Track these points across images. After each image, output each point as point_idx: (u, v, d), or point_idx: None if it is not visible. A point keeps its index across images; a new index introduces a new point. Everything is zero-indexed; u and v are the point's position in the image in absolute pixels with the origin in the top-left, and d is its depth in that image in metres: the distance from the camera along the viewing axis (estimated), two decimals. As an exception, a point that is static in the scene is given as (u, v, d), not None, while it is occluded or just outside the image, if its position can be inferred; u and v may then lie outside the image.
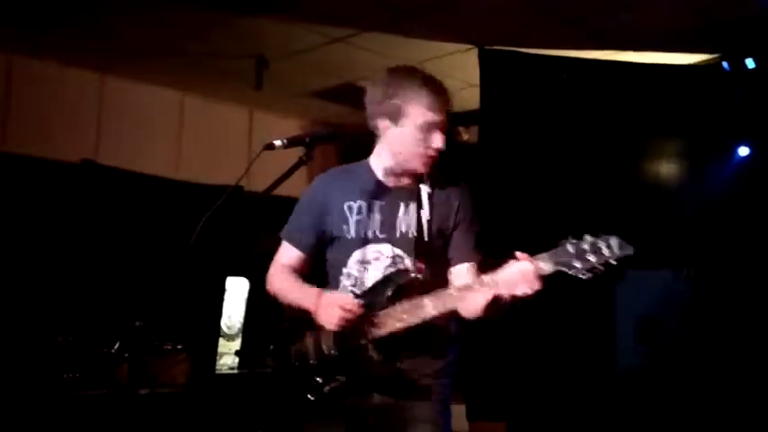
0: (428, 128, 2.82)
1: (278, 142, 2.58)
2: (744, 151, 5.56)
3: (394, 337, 2.69)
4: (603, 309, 5.57)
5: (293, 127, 7.52)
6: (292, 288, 3.01)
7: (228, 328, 7.21)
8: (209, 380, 6.42)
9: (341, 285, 2.91)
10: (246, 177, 2.94)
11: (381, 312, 2.72)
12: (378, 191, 2.94)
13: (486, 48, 5.80)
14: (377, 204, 2.92)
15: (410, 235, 2.84)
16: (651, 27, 5.41)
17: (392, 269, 2.81)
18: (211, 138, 7.27)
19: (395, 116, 2.86)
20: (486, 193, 5.31)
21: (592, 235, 2.53)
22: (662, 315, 5.42)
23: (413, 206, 2.88)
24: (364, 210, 2.91)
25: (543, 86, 5.80)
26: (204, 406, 5.89)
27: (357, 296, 2.80)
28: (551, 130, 5.74)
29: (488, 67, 5.80)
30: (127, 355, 5.42)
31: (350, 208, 2.95)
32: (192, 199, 6.42)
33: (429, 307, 2.62)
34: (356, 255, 2.88)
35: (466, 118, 7.12)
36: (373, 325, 2.72)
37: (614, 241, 2.51)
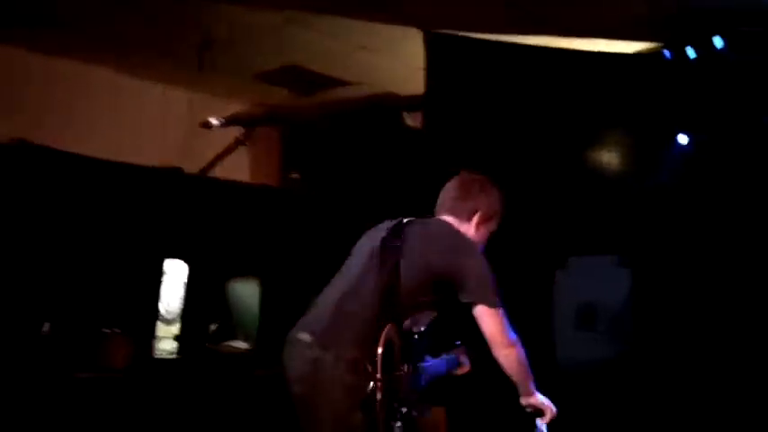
0: (493, 229, 3.49)
1: (215, 121, 2.52)
2: (683, 140, 5.61)
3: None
4: (542, 295, 5.61)
5: (234, 110, 7.39)
6: (526, 368, 3.36)
7: (167, 311, 7.12)
8: (148, 364, 6.34)
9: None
10: (186, 160, 2.88)
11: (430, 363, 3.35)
12: None
13: (432, 32, 5.76)
14: None
15: None
16: (595, 15, 5.43)
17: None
18: (150, 120, 7.13)
19: (487, 219, 3.45)
20: (431, 179, 5.28)
21: None
22: (602, 301, 5.45)
23: None
24: None
25: (489, 72, 5.78)
26: (143, 390, 5.81)
27: None
28: (496, 117, 5.73)
29: (434, 52, 5.76)
30: (65, 338, 5.35)
31: None
32: (129, 181, 6.31)
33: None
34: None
35: (411, 103, 7.10)
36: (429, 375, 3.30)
37: None
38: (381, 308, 2.93)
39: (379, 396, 2.76)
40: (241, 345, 7.39)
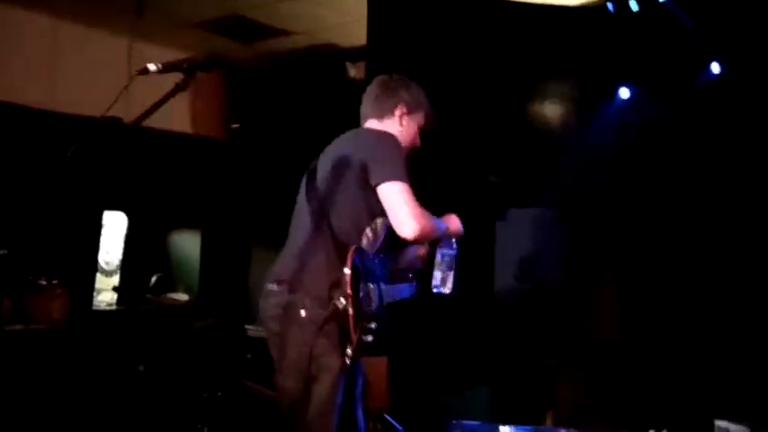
0: (422, 125, 3.50)
1: (152, 67, 2.45)
2: (625, 93, 5.66)
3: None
4: (483, 247, 5.65)
5: (175, 58, 7.28)
6: (437, 222, 3.31)
7: (107, 263, 7.05)
8: (87, 316, 6.27)
9: (363, 231, 3.19)
10: (126, 110, 2.82)
11: (392, 286, 3.35)
12: None
13: (374, -19, 5.71)
14: None
15: None
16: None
17: (385, 229, 3.24)
18: (88, 67, 6.96)
19: (411, 109, 3.46)
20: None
21: None
22: (541, 253, 5.52)
23: None
24: None
25: (432, 23, 5.75)
26: (81, 343, 5.76)
27: None
28: (439, 69, 5.71)
29: (376, 2, 5.71)
30: (-2, 290, 5.26)
31: None
32: (67, 131, 6.18)
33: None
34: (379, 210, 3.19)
35: (354, 54, 7.05)
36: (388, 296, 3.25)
37: None
38: (321, 238, 3.10)
39: (350, 311, 2.88)
40: (181, 297, 7.36)
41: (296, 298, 3.04)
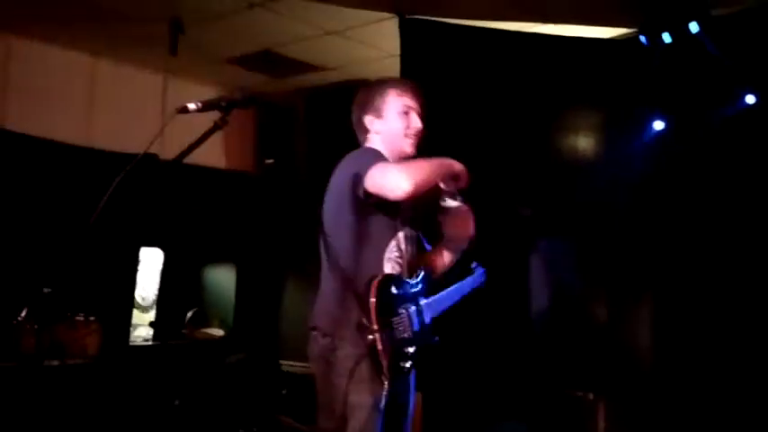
0: (406, 111, 3.33)
1: (192, 105, 2.49)
2: (659, 125, 5.64)
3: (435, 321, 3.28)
4: (516, 279, 5.63)
5: (209, 94, 7.34)
6: (430, 163, 3.18)
7: (143, 299, 7.11)
8: (123, 351, 6.31)
9: (387, 258, 3.14)
10: (161, 146, 2.86)
11: (432, 299, 3.29)
12: None
13: (406, 16, 5.74)
14: None
15: (416, 219, 3.33)
16: (572, 0, 5.44)
17: (415, 248, 3.29)
18: (124, 104, 7.06)
19: (378, 109, 3.33)
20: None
21: None
22: (575, 284, 5.49)
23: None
24: None
25: (463, 57, 5.77)
26: (118, 378, 5.79)
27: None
28: (471, 102, 5.73)
29: (409, 37, 5.74)
30: (36, 325, 5.31)
31: None
32: (104, 167, 6.25)
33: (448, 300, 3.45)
34: (399, 232, 3.21)
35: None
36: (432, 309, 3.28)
37: None
38: (342, 276, 3.08)
39: (380, 347, 2.88)
40: (216, 331, 7.39)
41: (328, 342, 3.05)
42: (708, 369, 5.20)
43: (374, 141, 3.36)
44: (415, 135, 3.35)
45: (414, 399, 3.30)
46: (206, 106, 2.54)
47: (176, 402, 5.58)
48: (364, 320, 2.91)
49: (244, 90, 2.58)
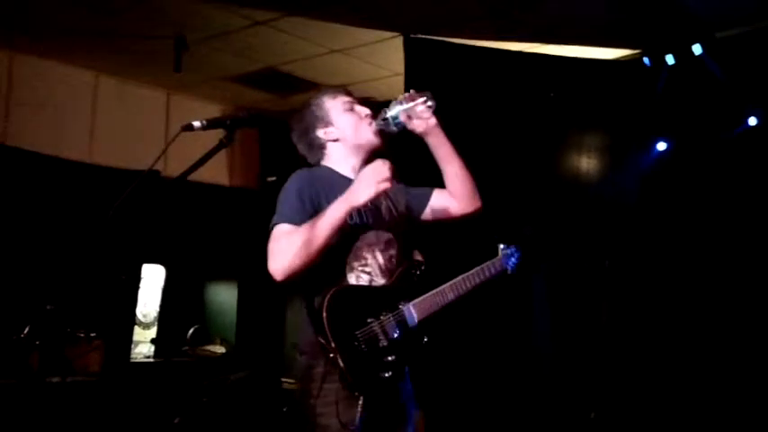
0: (351, 107, 3.24)
1: (197, 123, 2.49)
2: (662, 146, 5.65)
3: (426, 322, 3.09)
4: (520, 300, 5.62)
5: (212, 112, 7.36)
6: (314, 220, 2.87)
7: (144, 316, 7.10)
8: (124, 368, 6.30)
9: (350, 268, 3.03)
10: (164, 163, 2.87)
11: (420, 299, 3.09)
12: None
13: (411, 36, 5.76)
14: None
15: (394, 220, 3.20)
16: (576, 21, 5.45)
17: (390, 252, 3.11)
18: (127, 121, 7.07)
19: (324, 119, 3.22)
20: (409, 182, 5.29)
21: None
22: (579, 305, 5.48)
23: (385, 195, 3.17)
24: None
25: (467, 77, 5.78)
26: (119, 394, 5.77)
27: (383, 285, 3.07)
28: (475, 121, 5.73)
29: (413, 56, 5.76)
30: (38, 342, 5.30)
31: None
32: (106, 184, 6.26)
33: (449, 294, 3.16)
34: (360, 240, 3.05)
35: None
36: (419, 311, 3.08)
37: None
38: (305, 294, 2.99)
39: (341, 364, 2.75)
40: (218, 348, 7.37)
41: (305, 360, 2.98)
42: (703, 388, 5.19)
43: (334, 151, 3.21)
44: (368, 116, 3.22)
45: (415, 410, 3.19)
46: (211, 124, 2.54)
47: (177, 420, 5.55)
48: (321, 339, 2.80)
49: (249, 109, 2.57)
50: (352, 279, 3.00)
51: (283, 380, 6.55)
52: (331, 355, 2.77)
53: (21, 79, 6.48)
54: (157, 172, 5.78)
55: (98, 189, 6.09)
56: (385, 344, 2.92)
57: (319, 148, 3.24)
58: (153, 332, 7.09)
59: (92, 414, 5.49)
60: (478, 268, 3.37)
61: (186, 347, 7.18)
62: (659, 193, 5.61)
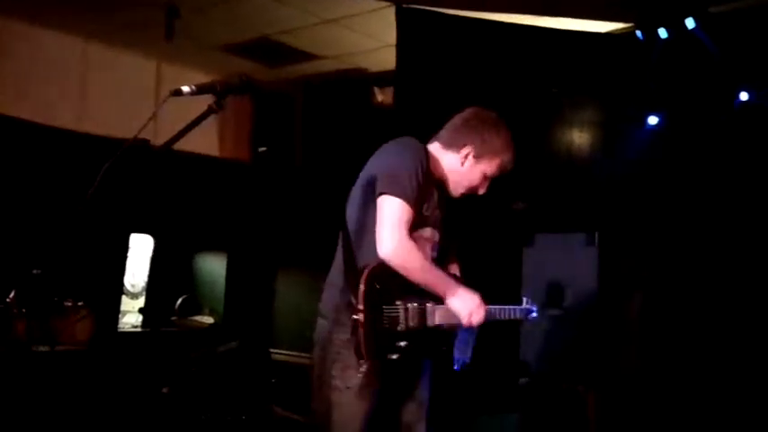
0: (487, 178, 3.36)
1: (186, 89, 2.45)
2: (653, 120, 5.63)
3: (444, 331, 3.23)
4: (510, 273, 5.62)
5: (203, 81, 7.29)
6: (431, 267, 3.15)
7: (132, 286, 7.07)
8: (112, 338, 6.28)
9: None
10: (154, 132, 2.83)
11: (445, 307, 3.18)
12: (434, 186, 3.28)
13: (403, 6, 5.71)
14: (435, 197, 3.27)
15: (440, 226, 3.32)
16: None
17: (435, 252, 3.29)
18: (117, 90, 7.01)
19: (481, 153, 3.30)
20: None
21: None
22: (569, 279, 5.47)
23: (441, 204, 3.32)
24: (434, 198, 3.26)
25: (460, 49, 5.75)
26: (106, 364, 5.76)
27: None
28: (467, 94, 5.70)
29: (406, 27, 5.71)
30: (24, 310, 5.27)
31: (431, 191, 3.24)
32: (95, 152, 6.20)
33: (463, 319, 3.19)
34: (421, 231, 3.18)
35: (382, 79, 7.05)
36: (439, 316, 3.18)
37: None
38: (345, 257, 3.11)
39: (361, 329, 2.86)
40: (207, 319, 7.36)
41: (325, 324, 3.10)
42: (695, 363, 5.21)
43: (454, 162, 3.32)
44: (476, 189, 3.38)
45: (426, 395, 3.37)
46: (201, 90, 2.50)
47: (165, 390, 5.55)
48: (353, 300, 2.90)
49: (241, 75, 2.52)
50: None
51: (272, 351, 6.55)
52: (355, 317, 2.87)
53: (9, 46, 6.41)
54: (147, 141, 5.76)
55: (87, 157, 6.03)
56: (403, 328, 3.01)
57: (455, 148, 3.31)
58: (141, 302, 7.06)
59: (79, 383, 5.48)
60: (507, 308, 3.63)
61: (174, 318, 7.17)
62: (651, 167, 5.60)
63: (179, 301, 7.29)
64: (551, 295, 5.45)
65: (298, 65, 7.26)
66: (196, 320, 7.30)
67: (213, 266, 7.76)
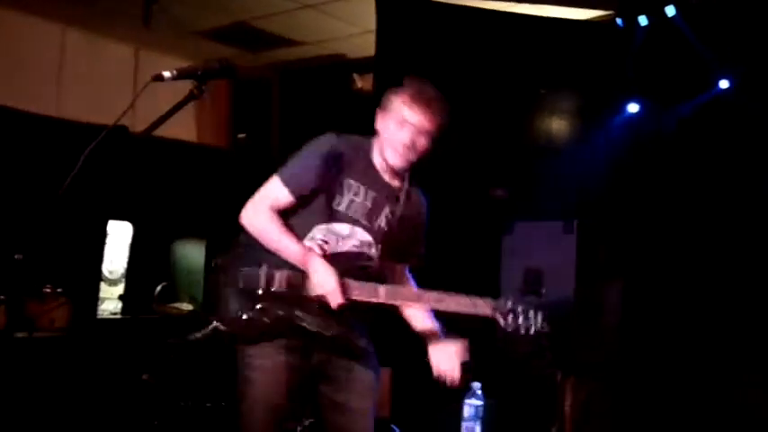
0: (402, 123, 3.09)
1: (167, 74, 2.43)
2: (633, 108, 5.65)
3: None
4: (488, 260, 5.63)
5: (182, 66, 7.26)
6: (281, 233, 3.09)
7: (111, 272, 7.04)
8: (90, 324, 6.25)
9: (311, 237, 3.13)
10: (133, 119, 2.81)
11: (352, 281, 3.02)
12: (374, 181, 3.18)
13: (383, -7, 5.71)
14: (370, 194, 3.15)
15: (383, 229, 3.17)
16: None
17: (359, 250, 3.14)
18: (95, 75, 6.96)
19: (385, 106, 3.16)
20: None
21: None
22: (547, 266, 5.49)
23: (392, 205, 3.19)
24: (360, 193, 3.14)
25: (440, 35, 5.74)
26: (85, 351, 5.74)
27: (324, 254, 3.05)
28: (446, 81, 5.68)
29: (385, 13, 5.71)
30: (3, 297, 5.24)
31: (349, 185, 3.14)
32: (73, 139, 6.15)
33: (382, 295, 3.05)
34: (332, 225, 3.12)
35: (361, 65, 7.04)
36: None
37: (540, 315, 3.21)
38: None
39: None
40: (186, 306, 7.34)
41: None
42: (674, 351, 5.25)
43: (377, 140, 3.21)
44: (401, 151, 3.11)
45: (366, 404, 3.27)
46: (182, 74, 2.48)
47: (144, 377, 5.54)
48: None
49: (221, 60, 2.51)
50: (307, 242, 3.10)
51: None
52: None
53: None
54: (125, 127, 5.72)
55: (65, 144, 5.99)
56: (260, 292, 3.06)
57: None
58: (120, 289, 7.04)
59: (58, 370, 5.46)
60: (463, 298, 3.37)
61: (154, 305, 7.15)
62: (630, 155, 5.63)
63: (158, 288, 7.26)
64: (530, 283, 5.47)
65: (277, 50, 7.23)
66: (175, 307, 7.27)
67: (192, 254, 7.73)
